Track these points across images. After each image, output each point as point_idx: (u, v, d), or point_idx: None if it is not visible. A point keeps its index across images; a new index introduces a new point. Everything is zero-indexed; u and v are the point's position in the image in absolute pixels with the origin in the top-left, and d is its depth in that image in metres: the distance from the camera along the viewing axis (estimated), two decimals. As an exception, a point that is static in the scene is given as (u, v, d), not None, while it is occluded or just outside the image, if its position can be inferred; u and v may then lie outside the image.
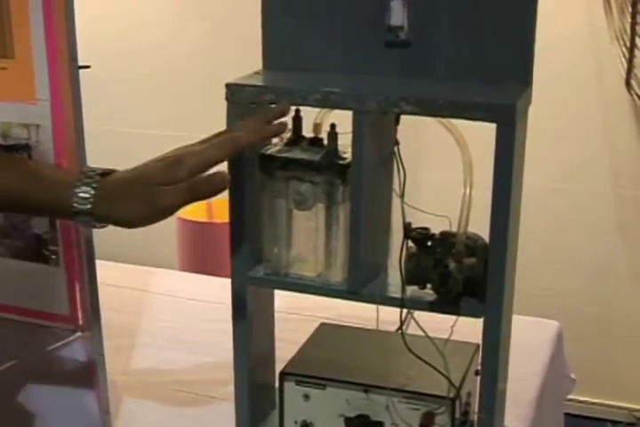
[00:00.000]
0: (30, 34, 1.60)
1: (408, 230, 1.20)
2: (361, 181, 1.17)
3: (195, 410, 1.57)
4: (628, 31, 2.76)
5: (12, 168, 1.12)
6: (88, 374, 1.55)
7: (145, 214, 1.05)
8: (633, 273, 3.04)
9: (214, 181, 1.04)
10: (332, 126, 1.21)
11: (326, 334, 1.47)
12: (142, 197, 1.05)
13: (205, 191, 1.05)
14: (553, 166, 2.95)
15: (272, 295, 1.38)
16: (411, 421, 1.28)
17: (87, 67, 1.50)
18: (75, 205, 1.05)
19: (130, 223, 1.06)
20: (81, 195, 1.05)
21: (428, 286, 1.20)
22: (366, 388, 1.29)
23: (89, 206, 1.05)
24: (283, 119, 1.15)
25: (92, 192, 1.05)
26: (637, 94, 2.81)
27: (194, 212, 3.27)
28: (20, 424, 1.52)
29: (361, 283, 1.23)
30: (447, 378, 1.24)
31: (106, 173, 1.08)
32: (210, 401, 1.59)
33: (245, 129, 1.10)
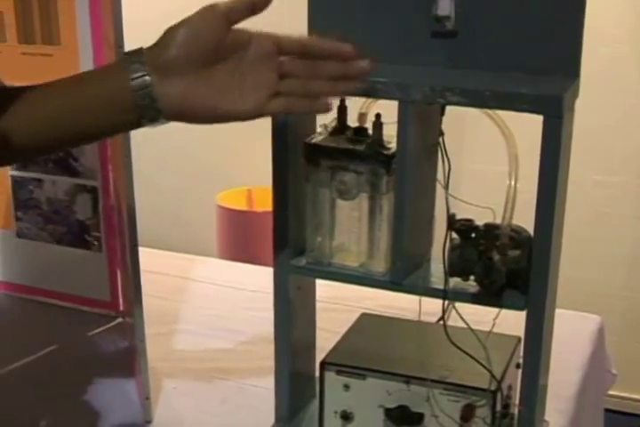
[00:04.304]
0: (76, 21, 1.61)
1: (452, 222, 1.19)
2: (405, 171, 1.17)
3: (234, 398, 1.57)
4: (676, 21, 2.73)
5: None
6: (129, 360, 1.56)
7: (212, 27, 0.97)
8: (676, 268, 3.01)
9: None
10: (378, 116, 1.20)
11: (367, 324, 1.46)
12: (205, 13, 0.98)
13: None
14: (596, 159, 2.93)
15: (314, 285, 1.38)
16: (451, 413, 1.27)
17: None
18: (125, 59, 0.97)
19: (199, 39, 0.97)
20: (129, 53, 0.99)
21: (471, 277, 1.19)
22: (407, 379, 1.29)
23: (142, 56, 0.97)
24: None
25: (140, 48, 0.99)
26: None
27: (234, 200, 3.28)
28: (61, 408, 1.53)
29: (403, 273, 1.23)
30: (489, 370, 1.24)
31: None
32: (250, 389, 1.59)
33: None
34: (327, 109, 1.05)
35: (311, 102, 1.04)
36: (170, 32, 0.97)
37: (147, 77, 0.96)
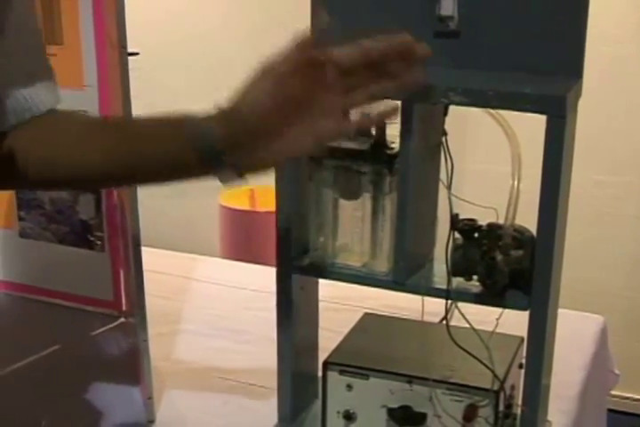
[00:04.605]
0: (79, 20, 1.61)
1: (455, 222, 1.19)
2: (408, 171, 1.17)
3: (237, 398, 1.57)
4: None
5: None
6: (132, 360, 1.56)
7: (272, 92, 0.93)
8: (678, 267, 3.01)
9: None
10: (381, 116, 1.20)
11: (370, 324, 1.46)
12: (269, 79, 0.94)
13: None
14: (598, 159, 2.93)
15: (316, 284, 1.38)
16: (454, 413, 1.27)
17: (136, 54, 1.50)
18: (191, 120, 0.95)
19: (259, 108, 0.93)
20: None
21: (474, 277, 1.19)
22: (410, 379, 1.29)
23: (206, 117, 0.95)
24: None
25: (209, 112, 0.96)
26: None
27: (237, 200, 3.28)
28: (64, 408, 1.53)
29: (406, 273, 1.23)
30: (491, 371, 1.24)
31: None
32: (252, 389, 1.59)
33: None
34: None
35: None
36: (238, 110, 0.95)
37: (222, 157, 0.96)
